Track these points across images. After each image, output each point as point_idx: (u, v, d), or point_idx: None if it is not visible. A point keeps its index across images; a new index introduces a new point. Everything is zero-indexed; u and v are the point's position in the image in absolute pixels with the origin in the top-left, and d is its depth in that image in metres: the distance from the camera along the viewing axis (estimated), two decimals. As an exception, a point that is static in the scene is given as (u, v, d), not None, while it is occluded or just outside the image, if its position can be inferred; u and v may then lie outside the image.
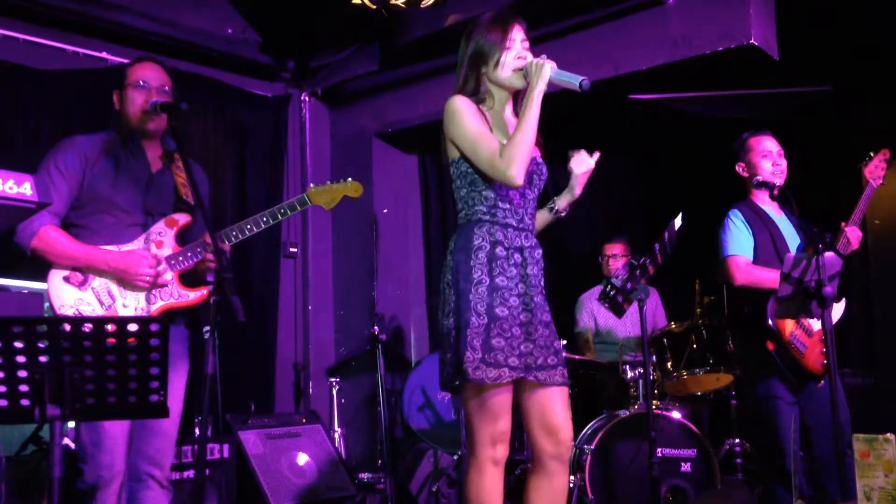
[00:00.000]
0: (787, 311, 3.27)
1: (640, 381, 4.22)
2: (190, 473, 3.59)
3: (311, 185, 3.12)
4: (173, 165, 2.95)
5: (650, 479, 3.45)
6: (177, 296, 2.84)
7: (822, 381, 3.37)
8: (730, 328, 3.92)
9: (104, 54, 4.55)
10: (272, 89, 5.40)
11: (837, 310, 3.50)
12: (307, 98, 5.54)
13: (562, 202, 2.76)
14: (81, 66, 4.46)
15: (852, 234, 3.50)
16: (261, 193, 5.17)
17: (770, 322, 3.34)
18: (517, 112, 2.59)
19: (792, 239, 3.54)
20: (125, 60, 4.58)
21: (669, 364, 4.38)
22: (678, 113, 5.09)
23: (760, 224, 3.53)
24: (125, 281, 2.78)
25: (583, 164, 2.71)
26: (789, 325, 3.38)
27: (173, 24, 4.74)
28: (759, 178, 3.47)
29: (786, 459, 3.23)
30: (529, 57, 2.54)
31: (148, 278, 2.76)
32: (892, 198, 4.60)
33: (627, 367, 4.32)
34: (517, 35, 2.57)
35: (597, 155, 2.73)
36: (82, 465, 2.73)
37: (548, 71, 2.47)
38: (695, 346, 4.44)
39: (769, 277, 3.30)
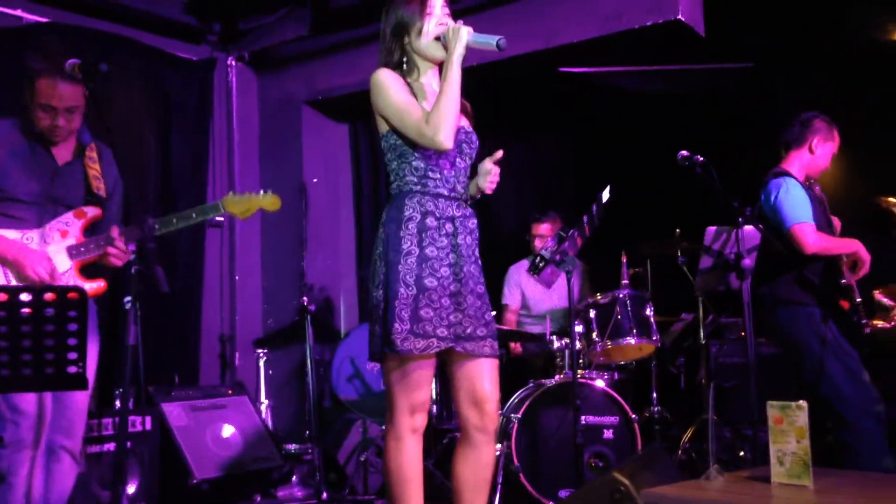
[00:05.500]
0: (707, 283, 3.37)
1: (567, 351, 4.30)
2: (110, 446, 3.52)
3: (230, 192, 3.11)
4: (86, 157, 2.91)
5: (574, 445, 3.53)
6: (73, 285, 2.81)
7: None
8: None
9: (19, 12, 4.33)
10: (197, 52, 5.23)
11: None
12: (234, 62, 5.40)
13: (471, 190, 2.70)
14: (-7, 23, 4.25)
15: (837, 223, 3.68)
16: (185, 161, 5.04)
17: (845, 283, 3.41)
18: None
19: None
20: (41, 19, 4.40)
21: (595, 334, 4.47)
22: (607, 87, 5.15)
23: (810, 193, 3.57)
24: (20, 272, 2.75)
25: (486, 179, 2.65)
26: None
27: (93, -18, 4.54)
28: (684, 153, 3.51)
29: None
30: (450, 23, 2.54)
31: (38, 279, 2.73)
32: (829, 181, 4.75)
33: (554, 337, 4.39)
34: (436, 2, 2.56)
35: (499, 153, 2.66)
36: None
37: (465, 35, 2.46)
38: (619, 316, 4.54)
39: (838, 244, 3.42)
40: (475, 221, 2.63)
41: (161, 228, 2.89)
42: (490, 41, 2.46)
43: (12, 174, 2.78)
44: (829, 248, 3.45)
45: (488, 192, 2.67)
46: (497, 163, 2.66)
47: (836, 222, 3.69)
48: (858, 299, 3.46)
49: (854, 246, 3.51)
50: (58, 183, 2.86)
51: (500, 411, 4.20)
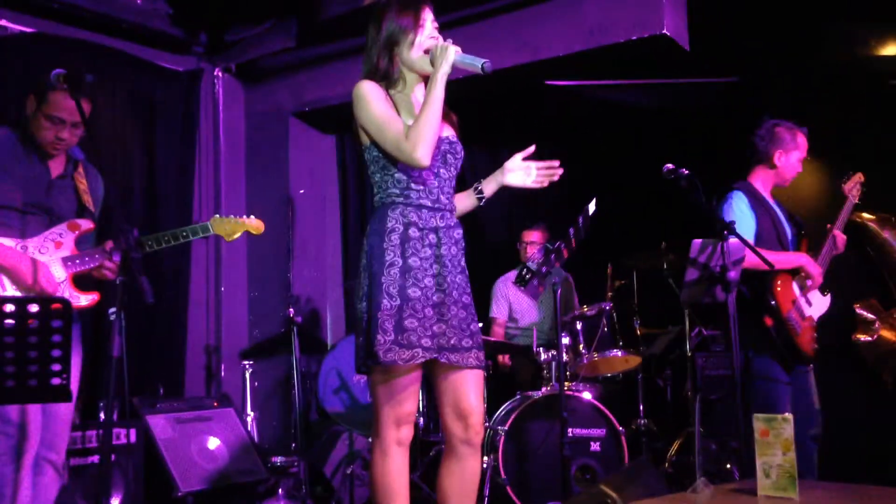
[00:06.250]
0: (693, 296, 3.38)
1: (553, 363, 4.30)
2: (94, 459, 3.49)
3: (217, 215, 3.27)
4: (76, 172, 2.98)
5: (561, 458, 3.52)
6: (68, 296, 2.82)
7: (811, 366, 3.47)
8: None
9: (3, 22, 4.32)
10: (183, 63, 5.22)
11: (823, 304, 3.60)
12: (220, 73, 5.39)
13: (489, 188, 2.76)
14: (-22, 32, 4.23)
15: (840, 238, 3.64)
16: (171, 172, 5.01)
17: (772, 300, 3.38)
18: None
19: (786, 225, 3.61)
20: (27, 29, 4.39)
21: (581, 346, 4.48)
22: (593, 99, 5.18)
23: (762, 208, 3.55)
24: (15, 278, 2.77)
25: (521, 177, 2.74)
26: (787, 305, 3.43)
27: (79, -8, 4.53)
28: (669, 166, 3.49)
29: None
30: (440, 39, 2.56)
31: (29, 280, 2.75)
32: (792, 189, 4.79)
33: (541, 349, 4.40)
34: (427, 17, 2.59)
35: (531, 149, 2.74)
36: None
37: (452, 53, 2.48)
38: (605, 328, 4.56)
39: (772, 259, 3.30)
40: (461, 231, 2.63)
41: (153, 245, 2.98)
42: (475, 63, 2.48)
43: (7, 183, 2.81)
44: (753, 263, 3.36)
45: (542, 185, 2.74)
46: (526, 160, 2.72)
47: (841, 238, 3.66)
48: (802, 315, 3.45)
49: (799, 260, 3.49)
50: (51, 195, 2.90)
51: (487, 423, 4.21)
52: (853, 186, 3.75)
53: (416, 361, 2.43)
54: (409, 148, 2.44)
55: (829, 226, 3.66)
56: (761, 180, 3.66)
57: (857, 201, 3.75)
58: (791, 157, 3.62)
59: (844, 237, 3.67)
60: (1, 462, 2.70)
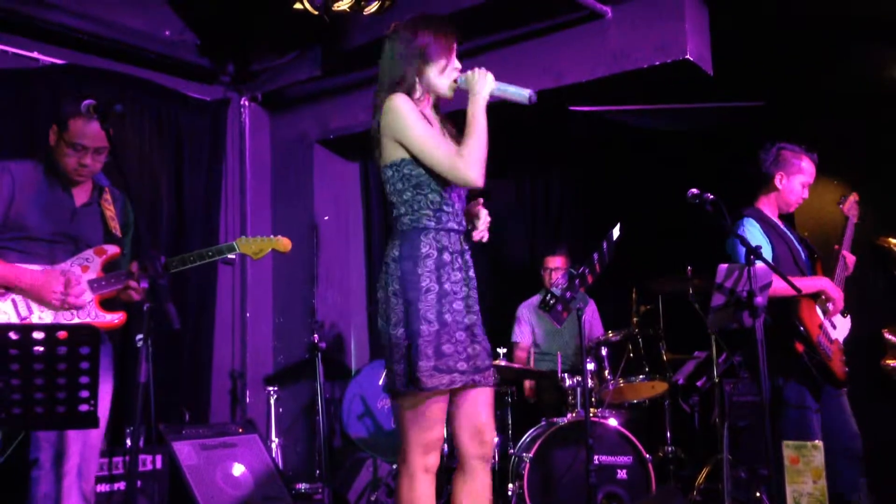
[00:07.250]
0: (720, 321, 3.34)
1: (578, 389, 4.26)
2: (121, 485, 3.50)
3: (243, 235, 3.26)
4: (102, 199, 3.01)
5: (587, 485, 3.48)
6: (94, 316, 2.87)
7: (844, 389, 3.41)
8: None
9: (35, 54, 4.41)
10: (211, 93, 5.31)
11: (845, 326, 3.56)
12: (247, 102, 5.47)
13: (475, 235, 2.71)
14: (10, 65, 4.32)
15: (849, 258, 3.60)
16: (198, 200, 5.07)
17: (800, 326, 3.32)
18: (437, 112, 2.66)
19: (800, 249, 3.57)
20: (57, 61, 4.49)
21: (607, 372, 4.44)
22: (616, 125, 5.18)
23: (774, 233, 3.51)
24: (41, 298, 2.80)
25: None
26: (815, 330, 3.38)
27: (109, 25, 4.62)
28: (694, 191, 3.46)
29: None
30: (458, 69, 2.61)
31: (59, 295, 2.79)
32: (818, 212, 4.75)
33: (566, 375, 4.36)
34: (455, 47, 2.62)
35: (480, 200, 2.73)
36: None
37: (492, 80, 2.53)
38: (631, 354, 4.51)
39: (797, 284, 3.24)
40: (470, 254, 2.65)
41: (178, 266, 3.01)
42: (522, 93, 2.53)
43: (33, 214, 2.85)
44: (778, 290, 3.29)
45: (483, 240, 2.69)
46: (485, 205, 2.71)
47: (850, 258, 3.64)
48: (825, 338, 3.39)
49: (819, 284, 3.43)
50: (77, 223, 2.94)
51: (512, 450, 4.18)
52: (850, 207, 3.73)
53: (455, 386, 2.45)
54: (464, 167, 2.47)
55: (836, 247, 3.61)
56: (768, 205, 3.61)
57: (857, 220, 3.71)
58: (793, 180, 3.56)
59: (853, 257, 3.63)
60: (45, 471, 2.73)
